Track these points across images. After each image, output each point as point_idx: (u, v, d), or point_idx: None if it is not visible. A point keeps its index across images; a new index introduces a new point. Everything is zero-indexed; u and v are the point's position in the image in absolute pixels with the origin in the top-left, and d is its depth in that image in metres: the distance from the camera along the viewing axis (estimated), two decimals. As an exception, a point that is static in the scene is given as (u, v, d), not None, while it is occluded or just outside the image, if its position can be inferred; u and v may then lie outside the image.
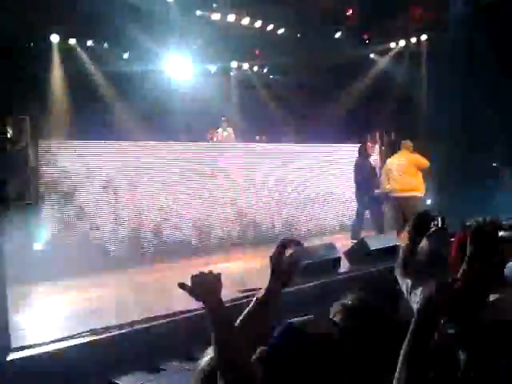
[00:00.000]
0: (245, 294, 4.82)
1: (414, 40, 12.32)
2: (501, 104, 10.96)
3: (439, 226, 2.61)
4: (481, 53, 10.43)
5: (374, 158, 8.48)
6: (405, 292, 2.65)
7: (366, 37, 12.24)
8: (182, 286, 1.60)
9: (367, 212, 8.42)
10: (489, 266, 1.93)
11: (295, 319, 1.49)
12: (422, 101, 12.31)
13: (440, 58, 11.32)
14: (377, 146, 9.16)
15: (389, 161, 8.20)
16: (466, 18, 10.41)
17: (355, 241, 7.03)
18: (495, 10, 10.34)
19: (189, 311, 4.23)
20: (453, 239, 2.99)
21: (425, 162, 7.85)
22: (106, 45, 10.34)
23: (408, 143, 8.03)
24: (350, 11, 11.05)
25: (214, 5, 10.33)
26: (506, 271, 2.51)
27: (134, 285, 6.15)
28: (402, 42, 12.46)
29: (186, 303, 4.56)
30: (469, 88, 10.78)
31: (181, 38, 9.87)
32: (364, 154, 8.31)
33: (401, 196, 7.69)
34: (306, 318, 1.49)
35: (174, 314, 4.14)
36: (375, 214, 8.26)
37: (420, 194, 7.80)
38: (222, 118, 10.36)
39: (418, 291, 2.38)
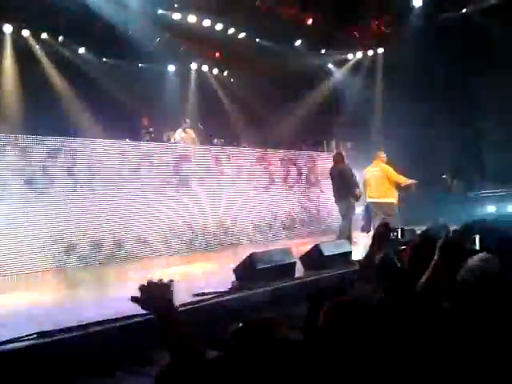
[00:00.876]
0: (199, 298, 4.77)
1: (370, 52, 12.68)
2: (450, 116, 11.46)
3: (399, 236, 2.71)
4: (433, 66, 10.87)
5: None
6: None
7: (324, 46, 12.46)
8: (134, 299, 1.63)
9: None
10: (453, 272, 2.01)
11: (248, 320, 1.51)
12: (376, 112, 12.69)
13: (394, 71, 11.70)
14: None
15: (365, 170, 8.77)
16: (421, 33, 10.80)
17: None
18: (451, 26, 10.83)
19: (142, 315, 4.13)
20: (404, 247, 3.10)
21: (393, 175, 8.39)
22: (61, 38, 10.06)
23: (380, 154, 8.64)
24: (310, 20, 11.21)
25: (176, 5, 10.24)
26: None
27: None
28: (359, 54, 12.80)
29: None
30: (420, 101, 11.21)
31: (141, 35, 9.70)
32: (341, 160, 8.74)
33: (375, 202, 8.40)
34: (260, 319, 1.51)
35: (128, 317, 4.03)
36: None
37: (391, 200, 8.34)
38: (187, 120, 10.25)
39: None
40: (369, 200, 8.55)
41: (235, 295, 4.87)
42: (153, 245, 8.18)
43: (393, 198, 8.35)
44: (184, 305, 4.45)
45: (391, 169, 8.48)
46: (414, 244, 2.65)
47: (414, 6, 10.91)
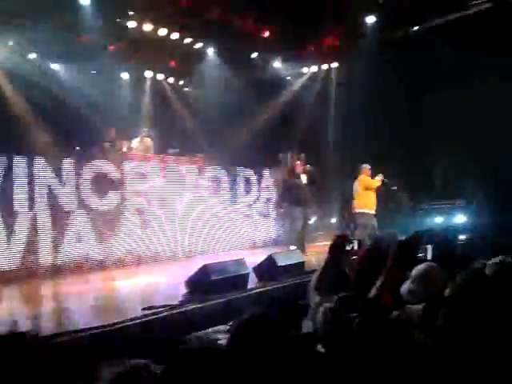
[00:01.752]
0: (149, 311, 4.64)
1: (325, 66, 12.93)
2: (401, 130, 11.82)
3: (355, 248, 2.74)
4: (386, 81, 11.19)
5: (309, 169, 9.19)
6: (312, 308, 2.71)
7: (280, 59, 12.60)
8: None
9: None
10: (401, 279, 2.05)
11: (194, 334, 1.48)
12: (329, 125, 12.94)
13: (348, 85, 11.98)
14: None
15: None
16: (374, 49, 11.11)
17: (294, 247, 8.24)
18: (403, 43, 11.21)
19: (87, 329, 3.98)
20: (355, 257, 3.14)
21: (370, 182, 9.05)
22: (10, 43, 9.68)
23: (361, 166, 9.28)
24: (267, 33, 11.32)
25: (131, 12, 10.09)
26: (403, 290, 2.67)
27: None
28: (314, 68, 13.02)
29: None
30: (373, 115, 11.52)
31: (95, 41, 9.47)
32: (293, 172, 9.24)
33: (356, 212, 9.17)
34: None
35: (74, 332, 3.87)
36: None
37: (368, 210, 8.94)
38: (145, 129, 10.10)
39: (322, 308, 2.45)
40: (353, 211, 9.25)
41: (186, 308, 4.78)
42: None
43: (369, 208, 8.97)
44: (132, 319, 4.33)
45: (366, 178, 9.11)
46: (362, 254, 2.68)
47: (367, 23, 11.21)
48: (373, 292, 1.93)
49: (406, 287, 2.49)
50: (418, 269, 2.50)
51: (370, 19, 11.09)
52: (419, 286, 2.46)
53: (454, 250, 3.09)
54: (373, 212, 9.03)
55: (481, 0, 10.39)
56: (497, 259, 3.01)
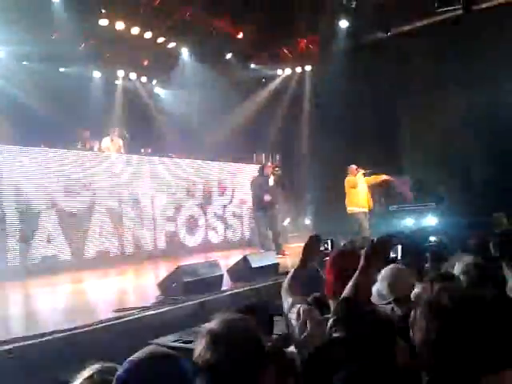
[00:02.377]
0: (120, 313, 4.57)
1: (299, 69, 13.01)
2: (374, 133, 11.97)
3: (328, 248, 2.74)
4: (359, 86, 11.33)
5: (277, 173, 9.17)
6: (285, 309, 2.70)
7: (255, 61, 12.63)
8: None
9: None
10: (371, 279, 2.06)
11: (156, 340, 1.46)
12: (303, 128, 13.02)
13: (321, 89, 12.08)
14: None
15: None
16: (347, 54, 11.24)
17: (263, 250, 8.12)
18: (376, 48, 11.37)
19: (57, 332, 3.88)
20: (327, 258, 3.15)
21: (353, 181, 9.27)
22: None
23: (348, 167, 9.47)
24: (241, 34, 11.32)
25: (103, 10, 9.94)
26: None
27: None
28: (288, 70, 13.09)
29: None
30: (346, 119, 11.64)
31: (64, 39, 9.29)
32: (262, 173, 9.18)
33: (348, 212, 9.42)
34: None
35: (42, 335, 3.77)
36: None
37: (357, 209, 9.24)
38: (116, 129, 9.93)
39: (295, 309, 2.45)
40: None
41: (159, 310, 4.72)
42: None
43: (349, 206, 9.26)
44: (103, 321, 4.25)
45: (351, 177, 9.32)
46: (333, 255, 2.68)
47: (340, 27, 11.34)
48: (345, 292, 1.93)
49: (374, 289, 2.52)
50: (385, 270, 2.54)
51: (343, 24, 11.21)
52: (386, 287, 2.49)
53: (424, 252, 3.14)
54: (363, 210, 9.23)
55: (450, 7, 10.62)
56: (466, 259, 3.08)
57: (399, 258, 2.17)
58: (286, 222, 12.66)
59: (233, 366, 1.43)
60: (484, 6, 10.30)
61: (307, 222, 13.25)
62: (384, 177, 9.55)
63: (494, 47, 10.32)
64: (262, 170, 9.28)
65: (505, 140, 10.20)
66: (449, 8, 10.64)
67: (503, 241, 3.70)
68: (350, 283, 1.97)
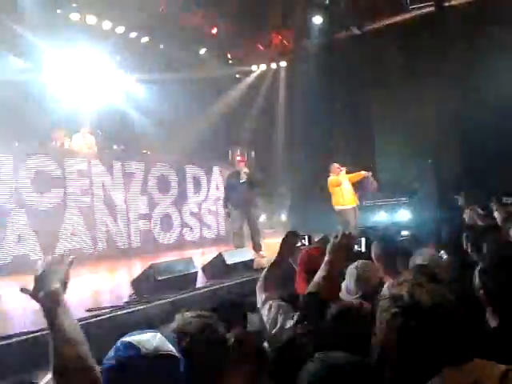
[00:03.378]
0: (92, 313, 4.49)
1: (274, 65, 13.01)
2: (349, 128, 12.08)
3: (306, 243, 2.75)
4: (333, 81, 11.41)
5: (245, 171, 8.52)
6: (259, 305, 2.70)
7: (229, 56, 12.57)
8: (23, 290, 1.52)
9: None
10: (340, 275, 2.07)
11: (132, 336, 1.44)
12: (279, 123, 13.04)
13: (296, 84, 12.12)
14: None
15: None
16: (321, 49, 11.29)
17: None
18: (349, 43, 11.47)
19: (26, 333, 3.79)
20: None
21: (335, 180, 9.15)
22: None
23: (330, 166, 9.30)
24: (215, 30, 11.25)
25: (74, 4, 9.75)
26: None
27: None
28: (263, 66, 13.08)
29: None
30: (320, 114, 11.71)
31: (34, 34, 9.06)
32: (234, 168, 8.92)
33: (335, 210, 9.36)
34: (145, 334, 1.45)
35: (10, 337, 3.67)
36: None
37: (343, 207, 9.15)
38: (87, 124, 9.73)
39: (267, 305, 2.45)
40: None
41: (133, 309, 4.66)
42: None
43: (339, 205, 9.18)
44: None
45: (333, 177, 9.19)
46: (303, 252, 2.69)
47: (314, 23, 11.38)
48: (309, 288, 1.93)
49: (343, 284, 2.54)
50: (351, 266, 2.56)
51: (317, 20, 11.26)
52: (354, 282, 2.51)
53: (395, 247, 3.17)
54: (351, 206, 9.15)
55: (422, 4, 10.77)
56: (436, 254, 3.13)
57: (363, 249, 2.18)
58: (261, 218, 12.67)
59: (194, 362, 1.43)
60: (455, 2, 10.48)
61: (283, 218, 13.29)
62: (363, 173, 9.53)
63: (465, 44, 10.53)
64: (233, 165, 9.00)
65: (475, 135, 10.42)
66: (421, 5, 10.81)
67: (474, 235, 3.76)
68: (315, 278, 1.98)
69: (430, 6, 10.69)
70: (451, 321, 1.19)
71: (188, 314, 1.68)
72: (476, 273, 2.19)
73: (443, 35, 10.43)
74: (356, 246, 2.18)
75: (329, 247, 2.05)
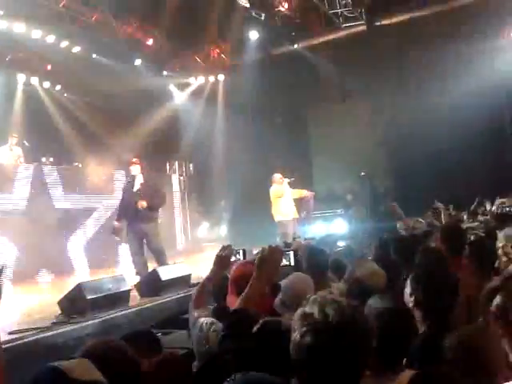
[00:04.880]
0: (15, 335, 4.21)
1: (212, 78, 12.98)
2: (288, 142, 12.25)
3: (240, 258, 2.70)
4: (271, 95, 11.56)
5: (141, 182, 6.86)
6: (190, 324, 2.61)
7: (165, 68, 12.43)
8: None
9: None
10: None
11: (57, 363, 1.34)
12: (218, 136, 13.01)
13: (235, 97, 12.16)
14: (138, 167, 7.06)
15: None
16: (258, 64, 11.41)
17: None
18: (285, 59, 11.68)
19: None
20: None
21: (277, 191, 9.06)
22: None
23: (272, 176, 9.21)
24: (151, 41, 11.09)
25: (1, 12, 9.27)
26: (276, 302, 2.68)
27: None
28: (201, 79, 13.02)
29: None
30: (260, 127, 11.82)
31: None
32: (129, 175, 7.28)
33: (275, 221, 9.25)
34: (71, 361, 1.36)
35: None
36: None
37: (283, 218, 9.06)
38: (13, 135, 9.23)
39: (198, 323, 2.37)
40: None
41: (59, 330, 4.40)
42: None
43: (279, 215, 9.08)
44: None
45: (275, 187, 9.09)
46: (234, 267, 2.65)
47: (250, 38, 11.49)
48: (237, 304, 1.88)
49: (277, 299, 2.52)
50: (285, 280, 2.55)
51: (253, 35, 11.38)
52: (288, 296, 2.49)
53: (326, 259, 3.20)
54: (289, 218, 9.09)
55: (354, 23, 11.18)
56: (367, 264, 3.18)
57: (292, 263, 2.18)
58: (203, 229, 12.55)
59: None
60: (384, 22, 10.98)
61: (223, 230, 13.21)
62: (305, 192, 9.55)
63: (396, 60, 11.05)
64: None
65: (406, 149, 10.89)
66: (353, 24, 11.22)
67: (401, 245, 3.88)
68: (243, 294, 1.94)
69: (362, 24, 11.12)
70: (360, 336, 1.17)
71: (94, 340, 1.59)
72: (407, 282, 2.26)
73: (375, 52, 10.87)
74: (284, 260, 2.15)
75: (256, 262, 2.01)
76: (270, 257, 1.96)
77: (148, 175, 7.13)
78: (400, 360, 1.78)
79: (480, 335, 1.59)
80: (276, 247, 2.08)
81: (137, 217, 6.64)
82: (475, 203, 8.37)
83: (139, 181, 6.80)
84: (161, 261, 6.80)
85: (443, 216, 7.19)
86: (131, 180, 6.96)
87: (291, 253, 2.18)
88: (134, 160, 7.10)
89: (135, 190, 6.78)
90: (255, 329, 1.67)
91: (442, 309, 2.14)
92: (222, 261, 2.73)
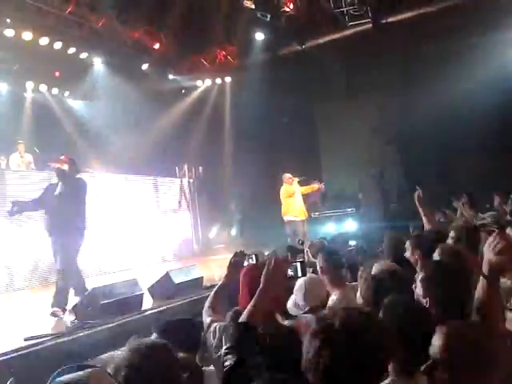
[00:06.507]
0: (32, 342, 4.23)
1: (218, 81, 13.00)
2: (294, 141, 12.22)
3: (253, 261, 2.69)
4: (278, 95, 11.54)
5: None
6: (204, 329, 2.61)
7: (173, 72, 12.47)
8: None
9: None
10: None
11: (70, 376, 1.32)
12: (226, 137, 13.02)
13: (242, 99, 12.16)
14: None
15: None
16: (265, 65, 11.41)
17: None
18: (292, 58, 11.65)
19: None
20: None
21: (287, 190, 9.10)
22: None
23: (283, 176, 9.27)
24: (157, 45, 11.13)
25: (8, 20, 9.34)
26: (289, 304, 2.67)
27: None
28: (208, 82, 13.05)
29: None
30: (266, 128, 11.81)
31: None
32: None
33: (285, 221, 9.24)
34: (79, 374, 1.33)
35: None
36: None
37: (293, 217, 9.07)
38: (19, 141, 9.29)
39: (212, 328, 2.37)
40: None
41: (74, 336, 4.42)
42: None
43: (289, 215, 9.08)
44: (15, 350, 3.93)
45: (286, 186, 9.15)
46: (245, 270, 2.64)
47: (256, 39, 11.49)
48: (242, 317, 1.84)
49: (290, 301, 2.50)
50: (298, 282, 2.53)
51: (259, 36, 11.38)
52: (301, 297, 2.48)
53: (341, 259, 3.17)
54: (300, 218, 9.10)
55: (360, 21, 11.12)
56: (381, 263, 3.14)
57: (299, 276, 2.13)
58: (213, 232, 12.55)
59: None
60: (390, 20, 10.91)
61: (233, 232, 13.20)
62: (316, 186, 9.55)
63: (403, 58, 10.97)
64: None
65: (416, 146, 10.81)
66: (359, 22, 11.16)
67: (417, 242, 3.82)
68: (248, 306, 1.90)
69: (368, 23, 11.06)
70: (378, 344, 1.16)
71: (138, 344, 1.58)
72: (419, 282, 2.22)
73: (382, 50, 10.81)
74: (289, 271, 2.12)
75: (263, 274, 1.97)
76: (276, 270, 1.92)
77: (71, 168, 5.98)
78: (419, 362, 1.75)
79: (472, 332, 1.53)
80: (282, 259, 2.03)
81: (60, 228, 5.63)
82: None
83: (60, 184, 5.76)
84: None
85: (463, 213, 7.09)
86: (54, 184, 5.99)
87: (298, 264, 2.14)
88: (62, 158, 6.12)
89: (56, 193, 5.73)
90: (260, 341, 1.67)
91: (459, 308, 2.10)
92: (235, 267, 2.73)
